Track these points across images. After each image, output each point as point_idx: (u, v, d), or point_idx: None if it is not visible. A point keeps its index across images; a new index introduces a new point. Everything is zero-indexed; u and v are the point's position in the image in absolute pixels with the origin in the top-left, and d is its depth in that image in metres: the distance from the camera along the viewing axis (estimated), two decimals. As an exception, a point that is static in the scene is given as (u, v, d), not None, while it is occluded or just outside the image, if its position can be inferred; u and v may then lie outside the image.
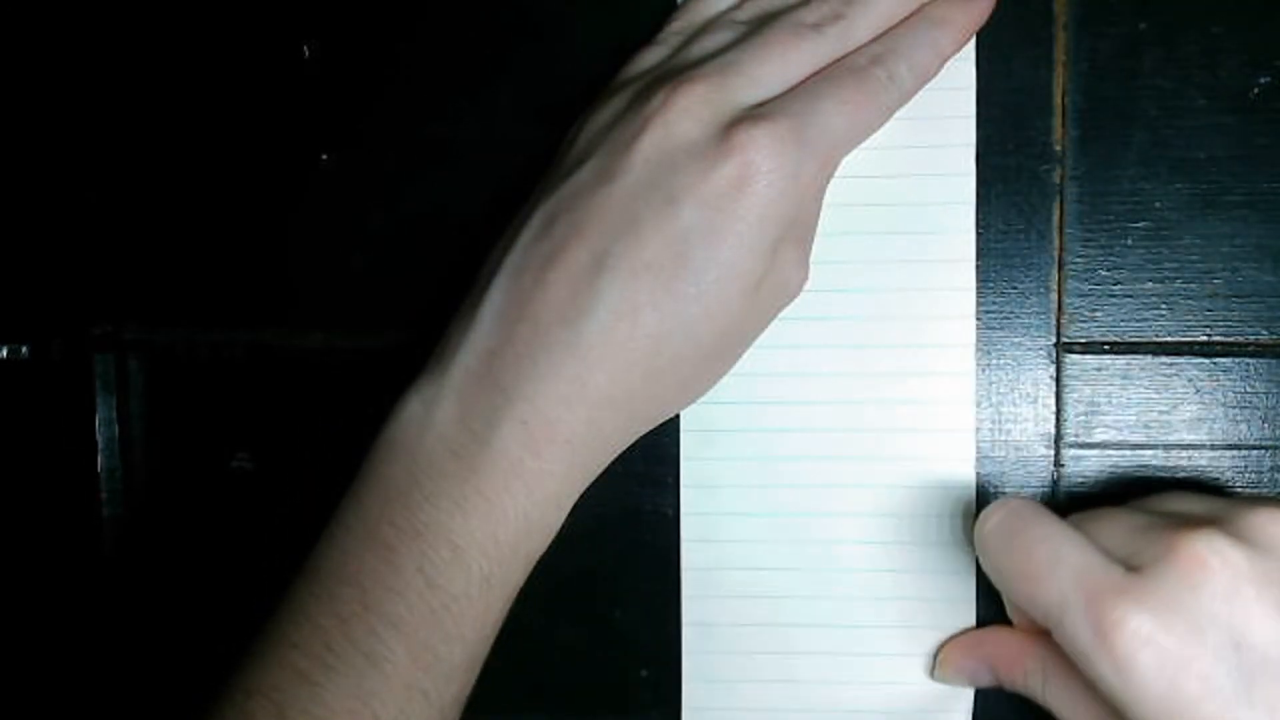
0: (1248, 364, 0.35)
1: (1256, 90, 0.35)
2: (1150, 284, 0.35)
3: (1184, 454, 0.36)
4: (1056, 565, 0.28)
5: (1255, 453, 0.35)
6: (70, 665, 0.39)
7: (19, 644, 0.39)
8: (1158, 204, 0.35)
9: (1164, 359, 0.35)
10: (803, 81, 0.31)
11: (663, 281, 0.29)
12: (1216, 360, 0.35)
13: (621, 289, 0.29)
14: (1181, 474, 0.36)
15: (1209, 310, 0.35)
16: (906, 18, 0.32)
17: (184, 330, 0.38)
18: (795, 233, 0.31)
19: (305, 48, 0.38)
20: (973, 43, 0.35)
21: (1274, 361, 0.35)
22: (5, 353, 0.39)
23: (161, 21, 0.38)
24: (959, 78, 0.35)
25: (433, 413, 0.30)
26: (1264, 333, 0.35)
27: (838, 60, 0.31)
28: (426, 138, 0.37)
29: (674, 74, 0.31)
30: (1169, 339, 0.35)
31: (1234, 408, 0.35)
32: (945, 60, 0.33)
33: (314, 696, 0.28)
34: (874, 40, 0.32)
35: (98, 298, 0.39)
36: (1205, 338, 0.35)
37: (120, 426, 0.39)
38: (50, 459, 0.39)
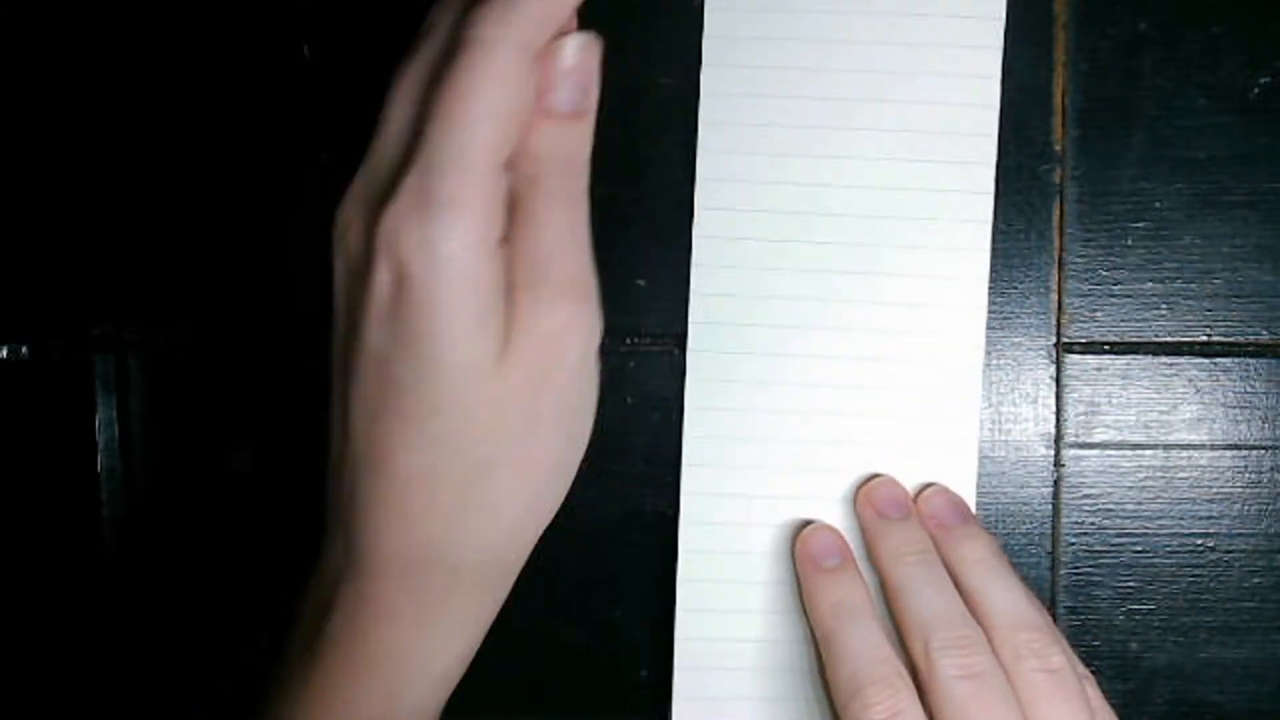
0: (1248, 364, 0.35)
1: (1256, 90, 0.35)
2: (1150, 284, 0.35)
3: (1184, 454, 0.36)
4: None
5: (1255, 453, 0.35)
6: (70, 665, 0.39)
7: (19, 644, 0.39)
8: (1158, 204, 0.35)
9: (1164, 359, 0.35)
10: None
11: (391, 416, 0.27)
12: (1216, 360, 0.35)
13: (366, 448, 0.27)
14: (1181, 474, 0.36)
15: (1209, 310, 0.35)
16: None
17: (184, 330, 0.38)
18: (485, 289, 0.26)
19: (305, 48, 0.38)
20: (1000, 33, 0.34)
21: (1274, 361, 0.35)
22: (5, 353, 0.39)
23: (161, 21, 0.38)
24: (984, 66, 0.34)
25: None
26: (1264, 333, 0.35)
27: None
28: (426, 138, 0.37)
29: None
30: (1169, 339, 0.35)
31: (1234, 408, 0.35)
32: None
33: None
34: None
35: (98, 298, 0.39)
36: (1205, 338, 0.35)
37: (120, 426, 0.39)
38: (50, 459, 0.39)
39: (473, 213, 0.25)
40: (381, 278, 0.26)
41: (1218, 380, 0.35)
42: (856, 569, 0.35)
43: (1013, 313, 0.36)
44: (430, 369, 0.26)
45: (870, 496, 0.35)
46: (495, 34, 0.26)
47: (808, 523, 0.36)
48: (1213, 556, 0.36)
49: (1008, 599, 0.32)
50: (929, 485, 0.35)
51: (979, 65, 0.34)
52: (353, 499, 0.28)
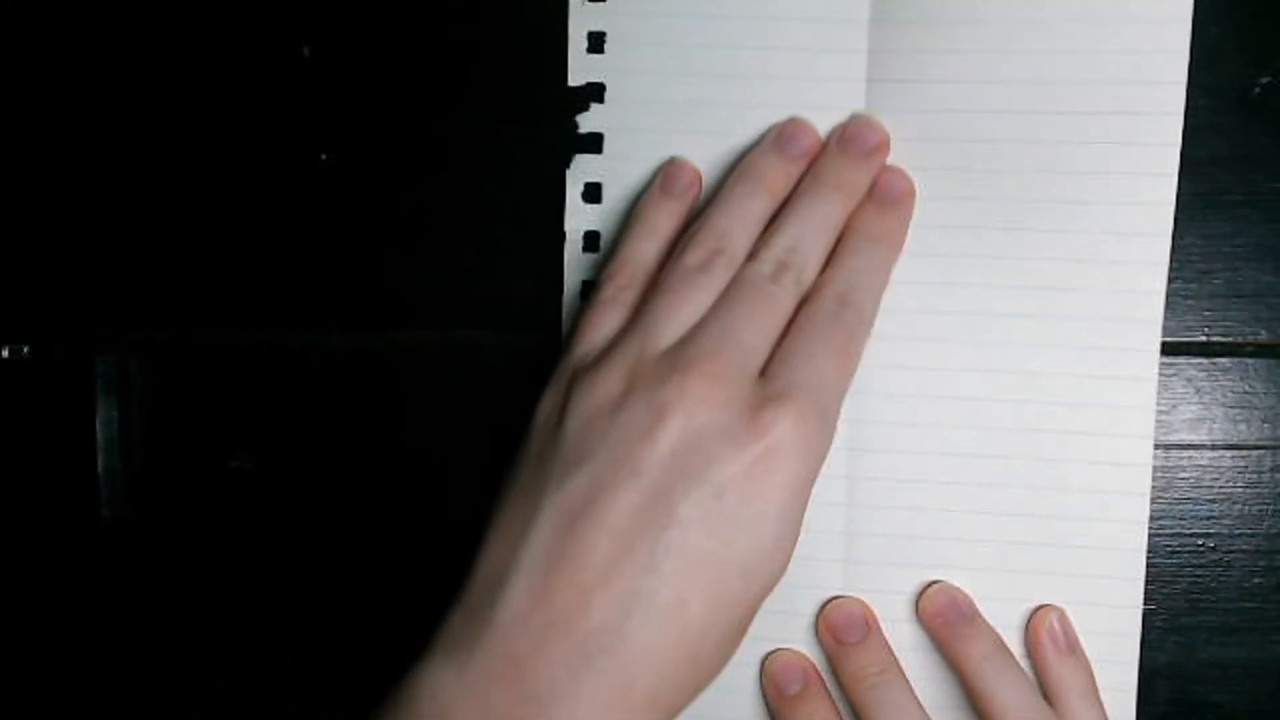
0: (1247, 364, 0.35)
1: (1256, 90, 0.35)
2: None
3: (1184, 454, 0.36)
4: None
5: (1255, 453, 0.35)
6: (70, 665, 0.39)
7: (19, 644, 0.39)
8: (1161, 205, 0.35)
9: (1164, 359, 0.35)
10: (786, 335, 0.31)
11: (711, 573, 0.28)
12: (1216, 360, 0.35)
13: (666, 585, 0.28)
14: (1181, 474, 0.36)
15: (1209, 310, 0.35)
16: (845, 238, 0.33)
17: (184, 330, 0.38)
18: (812, 483, 0.31)
19: (305, 48, 0.38)
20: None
21: (1274, 361, 0.35)
22: (5, 353, 0.39)
23: (161, 22, 0.38)
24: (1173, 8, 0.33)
25: (449, 711, 0.28)
26: (1263, 333, 0.35)
27: (806, 309, 0.32)
28: (426, 138, 0.37)
29: (669, 351, 0.30)
30: (1169, 339, 0.35)
31: (1234, 408, 0.35)
32: (891, 271, 0.34)
33: None
34: (831, 282, 0.32)
35: (98, 298, 0.39)
36: (1205, 338, 0.35)
37: (120, 426, 0.39)
38: (50, 459, 0.39)
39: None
40: (760, 454, 0.29)
41: (1217, 380, 0.35)
42: (823, 690, 0.35)
43: (1012, 313, 0.36)
44: (762, 548, 0.29)
45: (829, 621, 0.35)
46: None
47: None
48: (1213, 556, 0.36)
49: (1017, 696, 0.33)
50: (933, 583, 0.35)
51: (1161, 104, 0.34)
52: (598, 646, 0.28)
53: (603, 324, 0.33)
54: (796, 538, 0.30)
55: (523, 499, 0.30)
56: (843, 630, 0.35)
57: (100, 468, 0.39)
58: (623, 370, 0.30)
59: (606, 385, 0.30)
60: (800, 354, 0.31)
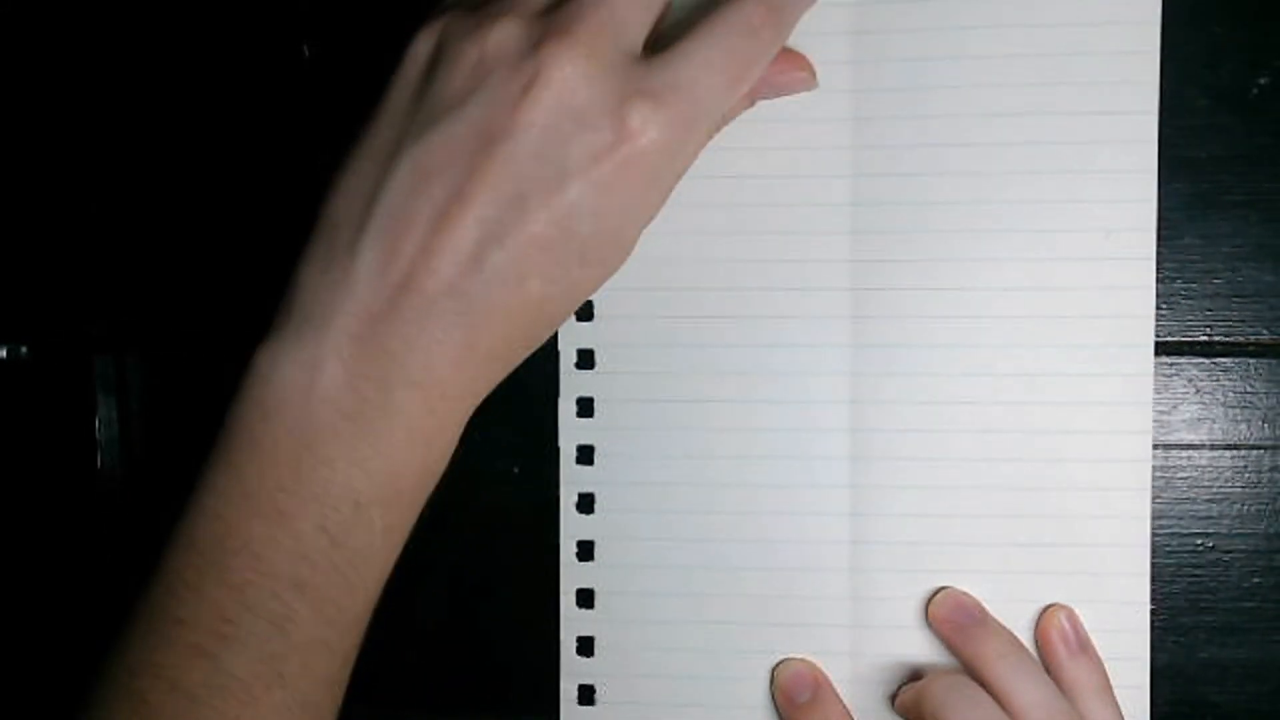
0: (1248, 364, 0.35)
1: (1256, 90, 0.35)
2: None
3: (1184, 454, 0.36)
4: None
5: (1255, 453, 0.35)
6: (70, 665, 0.39)
7: (19, 644, 0.39)
8: (1158, 204, 0.35)
9: (1164, 359, 0.35)
10: (693, 26, 0.30)
11: (550, 254, 0.29)
12: (1217, 360, 0.35)
13: (510, 261, 0.29)
14: (1181, 474, 0.36)
15: (1209, 310, 0.35)
16: None
17: (184, 330, 0.38)
18: (669, 187, 0.31)
19: (305, 48, 0.38)
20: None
21: (1274, 361, 0.35)
22: (5, 353, 0.39)
23: (161, 21, 0.38)
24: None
25: (315, 378, 0.29)
26: (1264, 332, 0.35)
27: (730, 10, 0.30)
28: (426, 138, 0.37)
29: (545, 10, 0.30)
30: (1169, 339, 0.35)
31: (1234, 408, 0.35)
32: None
33: (213, 668, 0.28)
34: None
35: (98, 298, 0.39)
36: (1205, 337, 0.35)
37: (120, 426, 0.39)
38: (50, 459, 0.39)
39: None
40: (620, 152, 0.29)
41: (1218, 380, 0.35)
42: (833, 697, 0.35)
43: (1013, 313, 0.36)
44: (602, 239, 0.30)
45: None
46: None
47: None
48: (1212, 556, 0.36)
49: (1037, 691, 0.33)
50: (941, 589, 0.35)
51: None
52: (446, 308, 0.29)
53: None
54: (637, 235, 0.31)
55: (379, 149, 0.30)
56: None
57: (100, 468, 0.39)
58: (500, 19, 0.30)
59: (481, 35, 0.30)
60: (695, 55, 0.30)
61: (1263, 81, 0.35)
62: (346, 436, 0.29)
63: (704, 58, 0.30)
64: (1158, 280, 0.35)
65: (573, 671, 0.37)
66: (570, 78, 0.29)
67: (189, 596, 0.29)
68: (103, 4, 0.38)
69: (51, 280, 0.39)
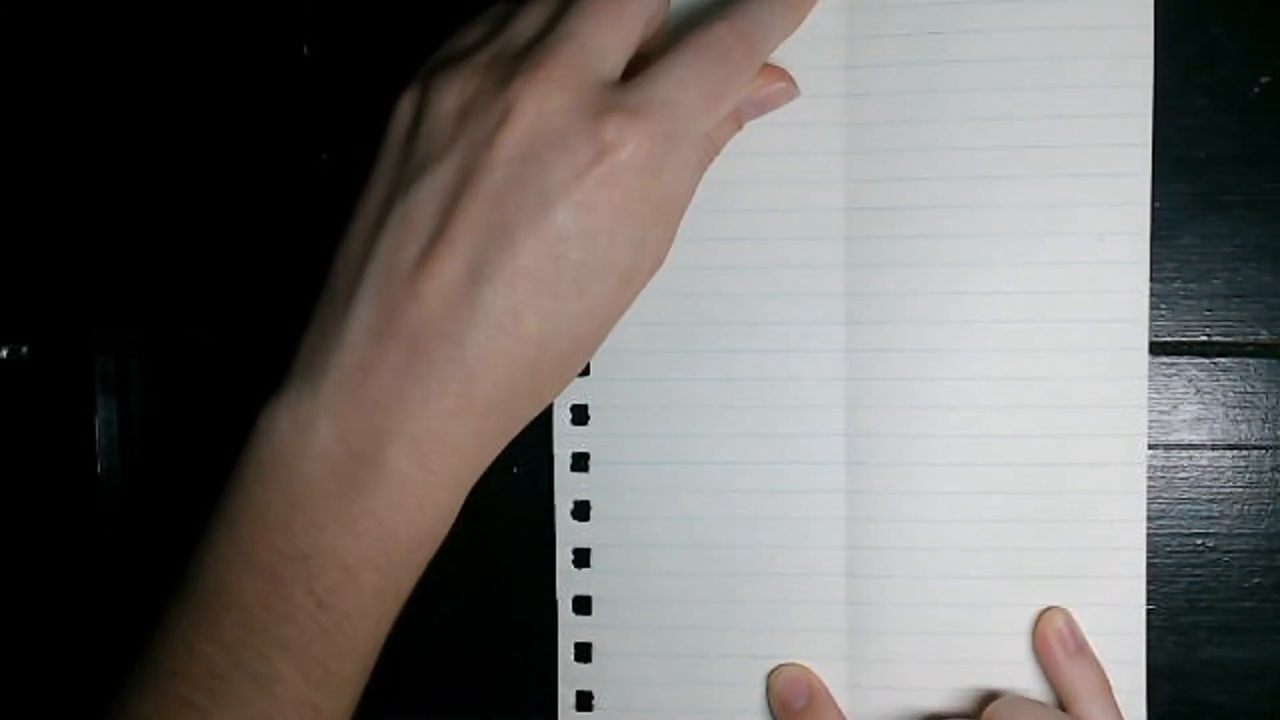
0: (1248, 364, 0.35)
1: (1256, 90, 0.35)
2: (1151, 284, 0.35)
3: (1184, 454, 0.36)
4: None
5: (1255, 453, 0.35)
6: (70, 665, 0.39)
7: (19, 644, 0.39)
8: (1158, 204, 0.35)
9: (1164, 359, 0.35)
10: (662, 48, 0.30)
11: (542, 286, 0.28)
12: (1217, 360, 0.35)
13: (501, 298, 0.28)
14: (1181, 474, 0.36)
15: (1209, 310, 0.35)
16: None
17: (183, 330, 0.38)
18: (665, 216, 0.30)
19: (304, 47, 0.38)
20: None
21: (1274, 361, 0.35)
22: (5, 353, 0.39)
23: (161, 21, 0.38)
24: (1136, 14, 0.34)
25: (307, 434, 0.29)
26: (1264, 332, 0.35)
27: (699, 33, 0.30)
28: (426, 138, 0.37)
29: (518, 55, 0.30)
30: (1169, 339, 0.35)
31: (1234, 408, 0.35)
32: (799, 25, 0.33)
33: None
34: (733, 18, 0.30)
35: (98, 298, 0.39)
36: (1205, 338, 0.35)
37: (120, 427, 0.39)
38: (50, 459, 0.39)
39: (711, 142, 0.31)
40: (599, 170, 0.28)
41: (1218, 380, 0.35)
42: (829, 702, 0.35)
43: (1013, 313, 0.36)
44: (594, 265, 0.29)
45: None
46: None
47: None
48: (1212, 556, 0.36)
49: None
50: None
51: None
52: (439, 354, 0.28)
53: (474, 31, 0.32)
54: (640, 261, 0.30)
55: (373, 210, 0.30)
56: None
57: (100, 468, 0.39)
58: (475, 70, 0.30)
59: (458, 87, 0.30)
60: (669, 74, 0.30)
61: (1263, 81, 0.35)
62: (335, 496, 0.28)
63: (677, 76, 0.29)
64: (1157, 280, 0.35)
65: (570, 678, 0.37)
66: (543, 107, 0.28)
67: (182, 650, 0.29)
68: (103, 4, 0.38)
69: (52, 281, 0.39)
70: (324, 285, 0.31)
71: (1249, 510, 0.36)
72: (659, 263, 0.31)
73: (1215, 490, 0.36)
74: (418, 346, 0.28)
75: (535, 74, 0.29)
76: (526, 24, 0.31)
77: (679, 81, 0.29)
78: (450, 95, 0.30)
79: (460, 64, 0.30)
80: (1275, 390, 0.35)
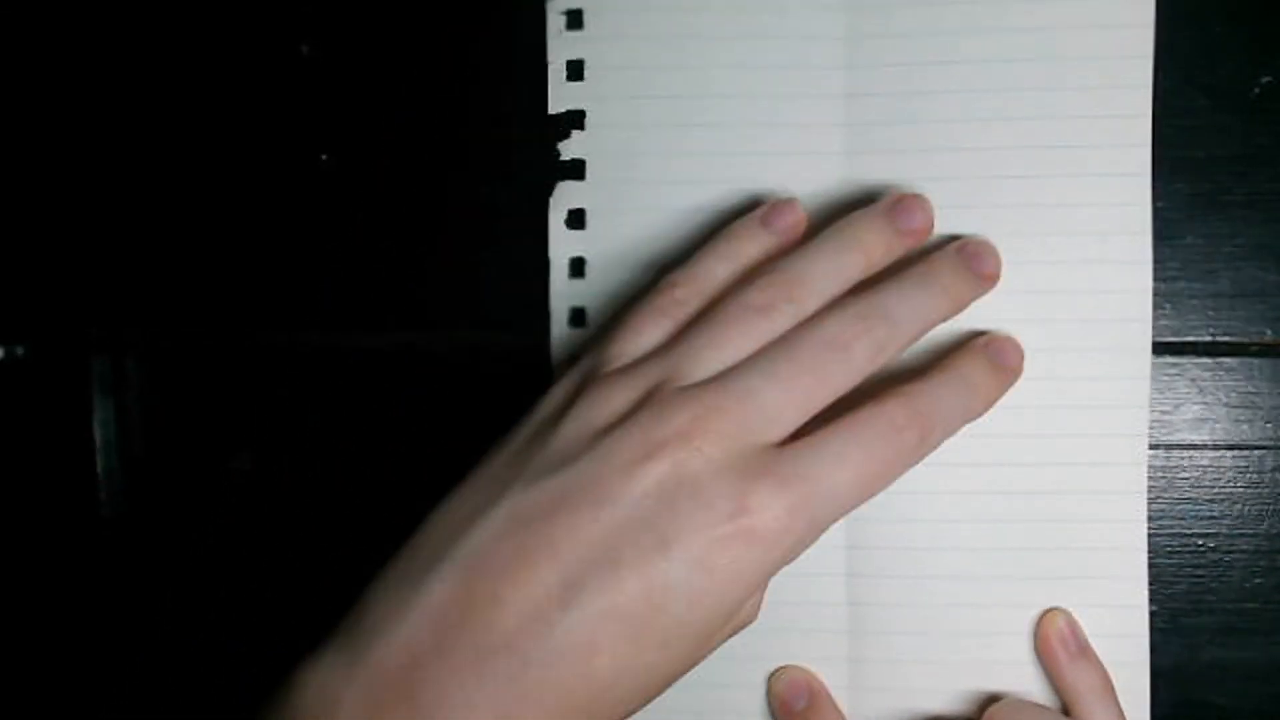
0: (1251, 364, 0.35)
1: (1256, 90, 0.35)
2: (1153, 284, 0.35)
3: (1186, 454, 0.36)
4: None
5: (1257, 453, 0.35)
6: (70, 665, 0.39)
7: (19, 644, 0.39)
8: (1158, 204, 0.35)
9: (1167, 359, 0.35)
10: (834, 420, 0.29)
11: (629, 630, 0.26)
12: (1219, 360, 0.35)
13: (584, 629, 0.26)
14: (1183, 474, 0.36)
15: (1211, 310, 0.35)
16: (943, 371, 0.31)
17: (183, 330, 0.38)
18: (767, 581, 0.29)
19: (303, 47, 0.38)
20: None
21: (1277, 361, 0.35)
22: (2, 353, 0.39)
23: (161, 21, 0.38)
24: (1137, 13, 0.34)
25: (332, 711, 0.26)
26: (1267, 332, 0.35)
27: (872, 407, 0.29)
28: (426, 137, 0.37)
29: (688, 390, 0.28)
30: (1172, 339, 0.35)
31: (1236, 408, 0.35)
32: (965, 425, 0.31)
33: None
34: (911, 395, 0.29)
35: (96, 298, 0.38)
36: (1208, 338, 0.35)
37: (119, 426, 0.39)
38: (50, 459, 0.39)
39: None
40: (728, 530, 0.27)
41: (1220, 380, 0.35)
42: (829, 704, 0.35)
43: (1014, 313, 0.36)
44: (691, 626, 0.27)
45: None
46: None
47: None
48: (1214, 557, 0.36)
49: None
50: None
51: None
52: (498, 669, 0.26)
53: (643, 332, 0.30)
54: (730, 626, 0.29)
55: (485, 486, 0.29)
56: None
57: (98, 468, 0.39)
58: (639, 390, 0.29)
59: (615, 400, 0.29)
60: (830, 448, 0.28)
61: (1263, 81, 0.35)
62: None
63: (837, 451, 0.28)
64: (1160, 280, 0.35)
65: None
66: (693, 457, 0.27)
67: None
68: (103, 4, 0.38)
69: (50, 281, 0.39)
70: (410, 539, 0.29)
71: (1251, 511, 0.36)
72: (744, 628, 0.30)
73: (1217, 490, 0.36)
74: (479, 654, 0.26)
75: (697, 423, 0.27)
76: (708, 357, 0.29)
77: (837, 457, 0.28)
78: (604, 407, 0.29)
79: (625, 376, 0.29)
80: (1278, 390, 0.35)
